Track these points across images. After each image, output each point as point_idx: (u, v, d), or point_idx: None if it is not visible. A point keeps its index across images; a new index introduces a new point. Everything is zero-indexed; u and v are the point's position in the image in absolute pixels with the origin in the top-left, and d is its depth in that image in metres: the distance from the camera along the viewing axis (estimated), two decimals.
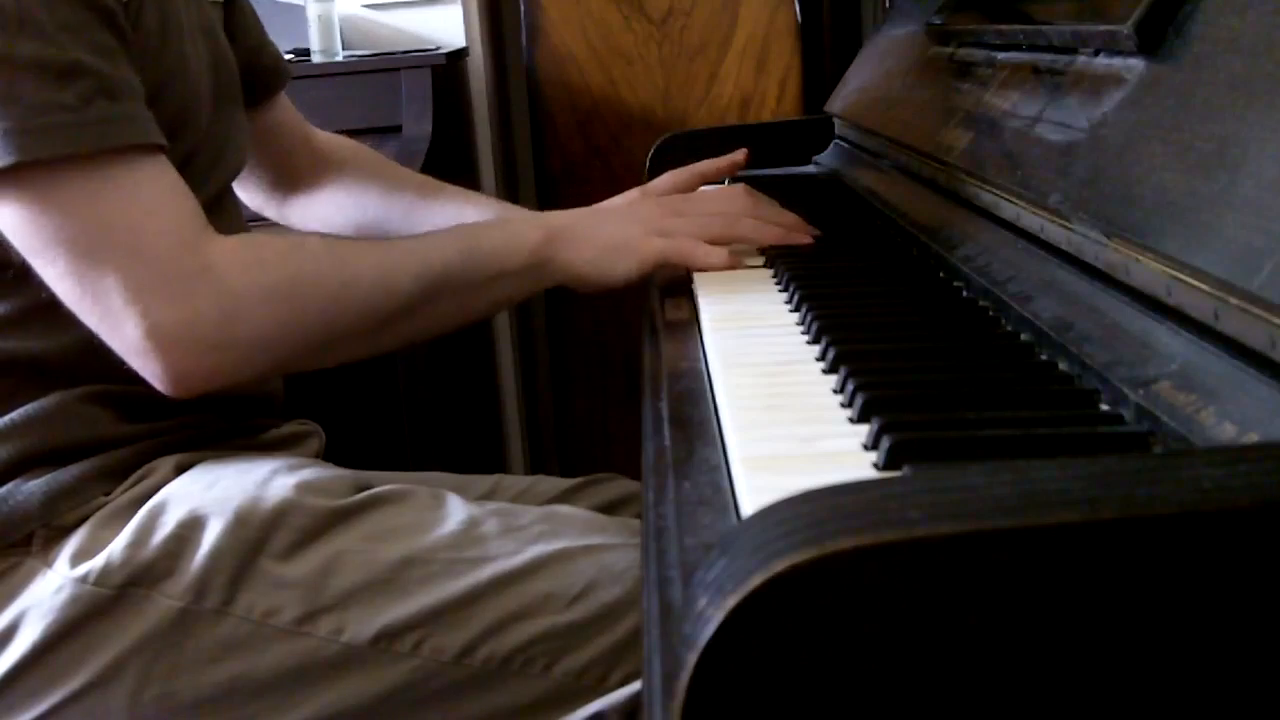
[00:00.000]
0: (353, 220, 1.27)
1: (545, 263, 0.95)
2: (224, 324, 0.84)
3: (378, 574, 0.86)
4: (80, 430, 0.91)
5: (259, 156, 1.24)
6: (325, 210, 1.28)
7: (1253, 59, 0.59)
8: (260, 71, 1.19)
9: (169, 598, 0.85)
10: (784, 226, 1.02)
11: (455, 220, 1.22)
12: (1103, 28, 0.74)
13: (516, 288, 0.96)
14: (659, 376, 0.76)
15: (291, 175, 1.27)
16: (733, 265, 0.96)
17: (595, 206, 1.02)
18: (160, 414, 0.94)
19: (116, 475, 0.91)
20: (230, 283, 0.85)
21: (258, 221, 1.34)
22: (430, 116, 1.86)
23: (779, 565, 0.34)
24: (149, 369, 0.85)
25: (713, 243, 0.96)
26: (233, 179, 1.09)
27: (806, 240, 1.01)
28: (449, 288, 0.92)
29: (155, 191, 0.85)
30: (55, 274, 0.84)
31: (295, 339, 0.88)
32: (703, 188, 1.11)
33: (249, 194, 1.29)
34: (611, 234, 0.96)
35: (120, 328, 0.83)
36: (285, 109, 1.26)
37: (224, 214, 1.05)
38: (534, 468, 2.31)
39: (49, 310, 0.87)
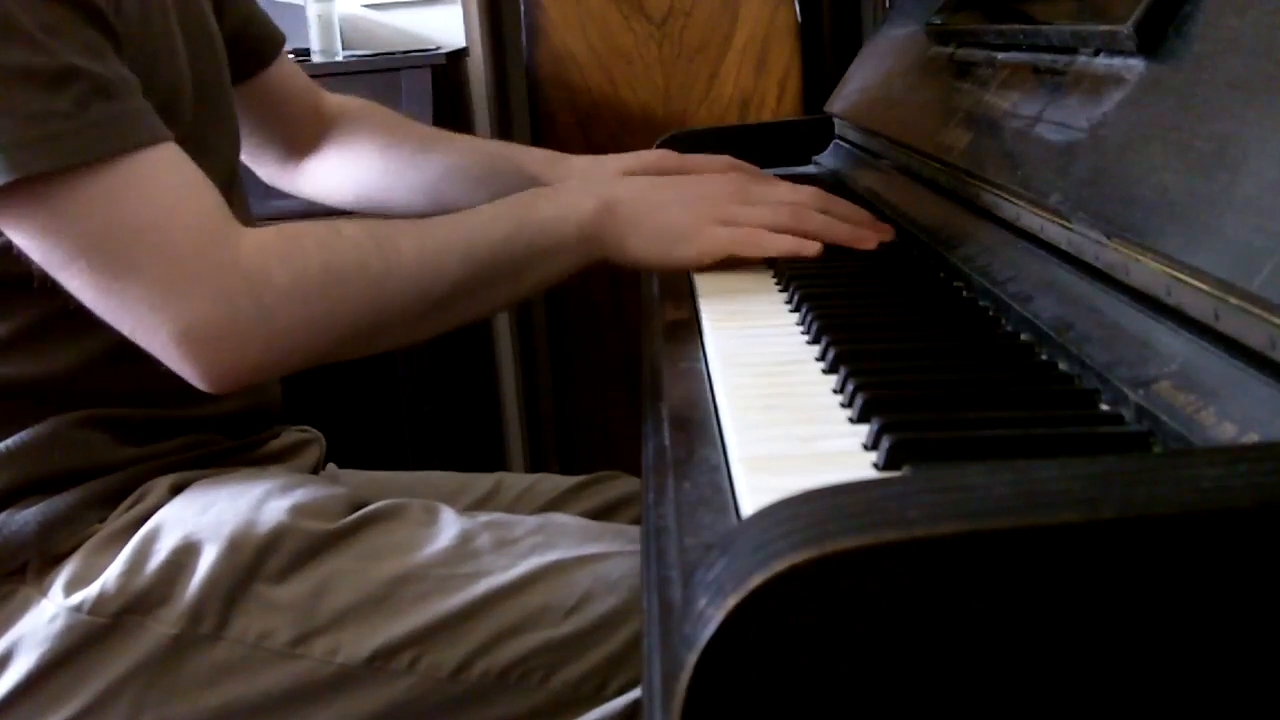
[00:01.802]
0: (353, 180, 1.23)
1: (597, 237, 0.90)
2: (262, 319, 0.82)
3: (371, 593, 0.85)
4: (76, 456, 0.89)
5: (267, 127, 1.21)
6: (329, 173, 1.24)
7: (1253, 59, 0.59)
8: (250, 41, 1.16)
9: (163, 625, 0.84)
10: (853, 224, 0.95)
11: (452, 170, 1.19)
12: (1103, 28, 0.74)
13: (569, 263, 0.91)
14: (659, 376, 0.76)
15: (301, 143, 1.24)
16: (804, 251, 0.91)
17: (659, 180, 0.96)
18: (157, 437, 0.92)
19: (112, 500, 0.90)
20: (266, 276, 0.82)
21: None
22: (430, 116, 1.86)
23: (779, 565, 0.34)
24: (187, 370, 0.82)
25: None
26: (232, 169, 1.05)
27: (873, 242, 0.94)
28: (498, 267, 0.88)
29: (173, 186, 0.82)
30: (80, 285, 0.81)
31: (337, 329, 0.85)
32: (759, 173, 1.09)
33: (263, 167, 1.25)
34: (673, 219, 0.91)
35: (155, 333, 0.81)
36: (289, 76, 1.21)
37: (231, 209, 1.03)
38: (534, 468, 2.31)
39: (42, 334, 0.86)
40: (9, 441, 0.88)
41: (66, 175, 0.78)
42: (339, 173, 1.24)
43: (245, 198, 1.09)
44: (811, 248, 0.91)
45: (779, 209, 0.93)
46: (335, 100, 1.26)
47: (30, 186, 0.78)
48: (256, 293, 0.82)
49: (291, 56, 1.26)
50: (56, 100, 0.78)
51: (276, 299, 0.82)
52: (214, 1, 1.08)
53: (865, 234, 0.95)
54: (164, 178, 0.82)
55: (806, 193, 0.96)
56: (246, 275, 0.82)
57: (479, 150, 1.23)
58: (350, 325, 0.85)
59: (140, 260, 0.80)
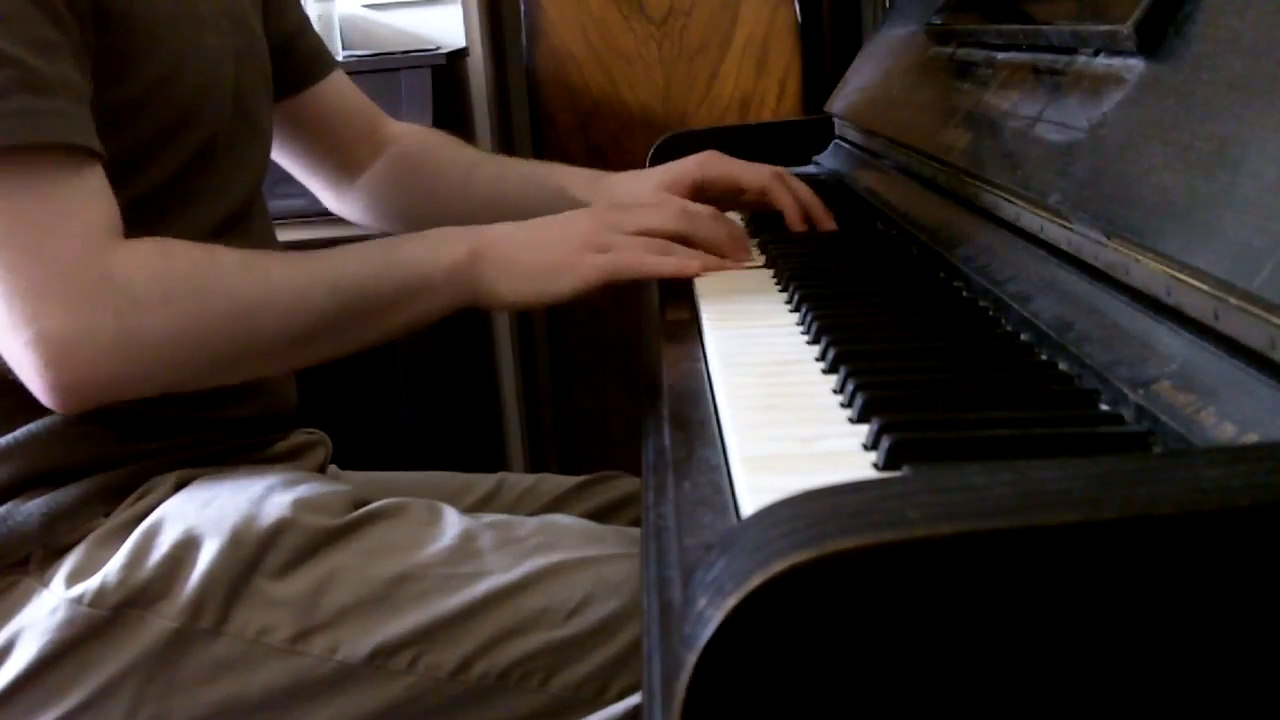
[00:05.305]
0: (403, 206, 1.23)
1: (467, 281, 0.90)
2: (121, 336, 0.81)
3: (372, 591, 0.85)
4: (82, 451, 0.89)
5: (320, 146, 1.21)
6: (378, 198, 1.24)
7: (1253, 59, 0.59)
8: (299, 57, 1.16)
9: (164, 618, 0.84)
10: (720, 248, 0.96)
11: (495, 198, 1.19)
12: (1103, 28, 0.74)
13: (438, 303, 0.91)
14: (659, 376, 0.76)
15: (354, 165, 1.24)
16: (686, 271, 0.92)
17: (533, 220, 0.95)
18: (165, 433, 0.92)
19: (116, 495, 0.90)
20: (131, 291, 0.81)
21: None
22: (430, 116, 1.86)
23: (779, 565, 0.34)
24: (34, 380, 0.81)
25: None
26: (258, 181, 1.06)
27: (740, 263, 0.96)
28: (366, 303, 0.89)
29: (72, 194, 0.82)
30: None
31: (199, 354, 0.85)
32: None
33: (315, 186, 1.25)
34: (544, 255, 0.91)
35: (13, 332, 0.80)
36: (343, 96, 1.21)
37: (252, 222, 1.03)
38: (534, 468, 2.31)
39: None
40: (15, 434, 0.88)
41: None
42: (387, 198, 1.24)
43: (266, 209, 1.09)
44: (691, 269, 0.92)
45: (649, 240, 0.93)
46: (396, 126, 1.26)
47: None
48: (119, 307, 0.81)
49: None
50: None
51: (138, 315, 0.82)
52: (263, 13, 1.08)
53: (728, 263, 0.95)
54: (66, 184, 0.82)
55: (673, 220, 0.95)
56: (114, 290, 0.81)
57: (523, 174, 1.23)
58: (213, 351, 0.85)
59: (14, 257, 0.80)
